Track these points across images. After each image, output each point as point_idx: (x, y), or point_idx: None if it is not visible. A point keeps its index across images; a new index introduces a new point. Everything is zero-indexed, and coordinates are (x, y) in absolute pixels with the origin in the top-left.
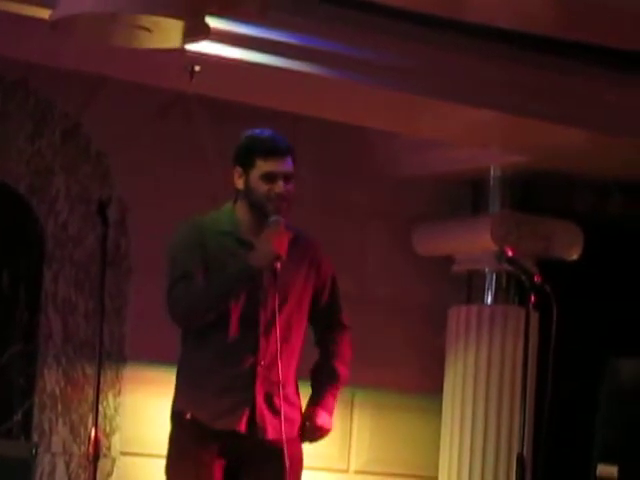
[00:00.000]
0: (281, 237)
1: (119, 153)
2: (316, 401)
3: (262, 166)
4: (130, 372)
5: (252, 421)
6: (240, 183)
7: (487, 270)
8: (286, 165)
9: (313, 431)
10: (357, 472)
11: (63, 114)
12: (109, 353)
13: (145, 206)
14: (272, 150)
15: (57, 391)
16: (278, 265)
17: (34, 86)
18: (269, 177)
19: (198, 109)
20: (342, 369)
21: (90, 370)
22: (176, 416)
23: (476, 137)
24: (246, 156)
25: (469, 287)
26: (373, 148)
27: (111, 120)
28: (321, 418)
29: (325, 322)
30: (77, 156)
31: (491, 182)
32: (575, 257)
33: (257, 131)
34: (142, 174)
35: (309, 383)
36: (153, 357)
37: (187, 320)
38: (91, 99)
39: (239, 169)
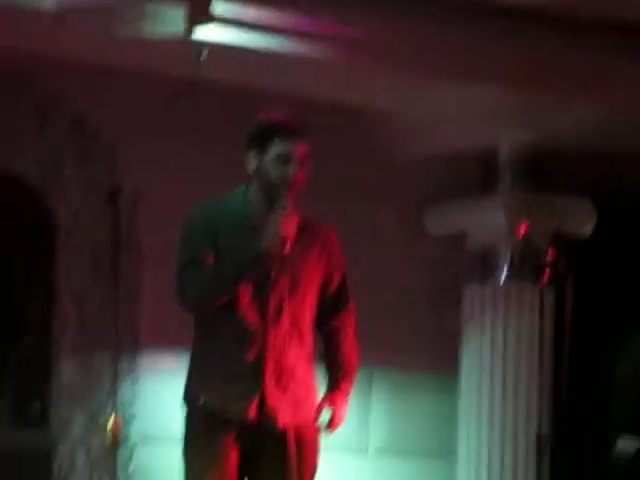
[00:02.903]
0: (289, 220)
1: (128, 141)
2: (334, 391)
3: (276, 148)
4: (146, 359)
5: (263, 408)
6: (253, 166)
7: (500, 248)
8: (301, 148)
9: (332, 423)
10: (376, 452)
11: (71, 105)
12: (124, 341)
13: (156, 193)
14: (289, 131)
15: (74, 381)
16: (286, 248)
17: (40, 79)
18: (283, 159)
19: (206, 95)
20: (354, 358)
21: (106, 359)
22: (189, 402)
23: (485, 115)
24: (260, 138)
25: (483, 266)
26: (381, 130)
27: (119, 109)
28: (340, 410)
29: (333, 308)
30: (86, 146)
31: (501, 160)
32: (588, 232)
33: (272, 113)
34: (152, 161)
35: (322, 367)
36: (168, 344)
37: (196, 305)
38: (98, 89)
39: (252, 151)
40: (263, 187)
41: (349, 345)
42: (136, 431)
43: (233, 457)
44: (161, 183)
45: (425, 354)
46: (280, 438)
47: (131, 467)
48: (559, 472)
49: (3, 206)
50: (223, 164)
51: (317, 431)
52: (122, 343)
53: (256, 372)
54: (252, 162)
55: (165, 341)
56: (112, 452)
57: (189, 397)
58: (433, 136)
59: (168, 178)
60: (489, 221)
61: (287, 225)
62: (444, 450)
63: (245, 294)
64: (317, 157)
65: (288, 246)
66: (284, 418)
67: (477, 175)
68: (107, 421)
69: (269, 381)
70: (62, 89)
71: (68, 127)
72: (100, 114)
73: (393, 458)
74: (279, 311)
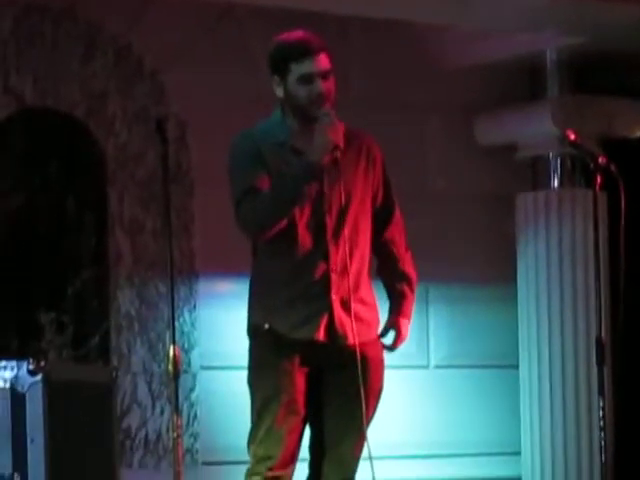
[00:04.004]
0: (335, 127)
1: (172, 69)
2: (398, 310)
3: (296, 69)
4: (203, 286)
5: (331, 329)
6: (280, 92)
7: (551, 155)
8: (320, 63)
9: (397, 342)
10: (437, 367)
11: (113, 36)
12: (180, 269)
13: (203, 120)
14: (303, 51)
15: (132, 312)
16: (338, 154)
17: (82, 11)
18: (306, 79)
19: (248, 18)
20: (411, 270)
21: (163, 288)
22: (254, 329)
23: (531, 22)
24: (279, 63)
25: (534, 173)
26: (425, 42)
27: (162, 37)
28: (405, 328)
29: (382, 219)
30: (131, 76)
31: (548, 66)
32: (638, 134)
33: (285, 35)
34: (197, 88)
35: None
36: (224, 270)
37: (261, 232)
38: (140, 18)
39: (276, 78)
40: (295, 110)
41: (404, 257)
42: (197, 359)
43: (300, 381)
44: (208, 110)
45: (481, 265)
46: (347, 358)
47: (194, 395)
48: (620, 376)
49: (52, 139)
50: (270, 88)
51: (381, 349)
52: (178, 272)
53: (321, 293)
54: (278, 88)
55: (221, 266)
56: (173, 381)
57: (253, 324)
58: (481, 45)
59: (215, 105)
60: (539, 128)
61: (335, 132)
62: (506, 360)
63: (302, 216)
64: (366, 70)
65: (340, 153)
66: (352, 336)
67: (525, 83)
68: (167, 350)
69: (335, 300)
70: (105, 19)
71: (112, 59)
72: (144, 43)
73: (454, 371)
74: (337, 229)
